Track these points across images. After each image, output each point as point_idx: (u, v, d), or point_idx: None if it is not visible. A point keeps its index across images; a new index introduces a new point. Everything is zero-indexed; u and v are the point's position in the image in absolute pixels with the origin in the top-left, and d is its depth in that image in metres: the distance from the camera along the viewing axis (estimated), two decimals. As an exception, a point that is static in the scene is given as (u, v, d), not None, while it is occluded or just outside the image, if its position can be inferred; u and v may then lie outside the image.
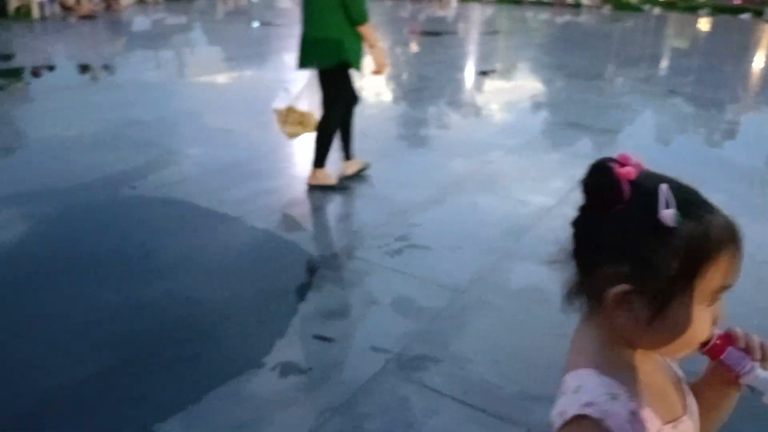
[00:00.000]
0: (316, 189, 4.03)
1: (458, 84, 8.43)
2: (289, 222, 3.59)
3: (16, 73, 7.56)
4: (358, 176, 4.33)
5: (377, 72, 3.94)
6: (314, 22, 3.73)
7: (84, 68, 7.95)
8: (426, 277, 3.10)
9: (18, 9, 11.61)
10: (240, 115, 5.80)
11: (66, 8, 12.68)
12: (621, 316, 0.72)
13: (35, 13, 11.58)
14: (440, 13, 18.72)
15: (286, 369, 2.37)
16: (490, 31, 12.38)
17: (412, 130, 5.79)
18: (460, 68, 9.63)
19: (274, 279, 3.00)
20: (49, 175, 4.17)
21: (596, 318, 0.76)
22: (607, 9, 20.21)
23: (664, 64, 11.00)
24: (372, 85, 7.77)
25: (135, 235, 3.40)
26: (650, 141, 6.03)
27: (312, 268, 3.09)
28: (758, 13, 19.66)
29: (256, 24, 13.27)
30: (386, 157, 4.97)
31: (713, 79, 9.22)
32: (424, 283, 3.05)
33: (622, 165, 0.73)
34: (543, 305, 2.88)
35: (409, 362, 2.46)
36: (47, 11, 11.92)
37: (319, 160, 3.95)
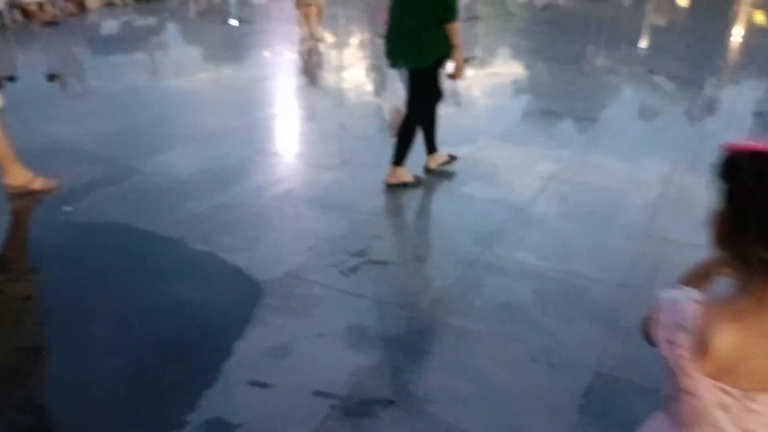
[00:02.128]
0: (396, 187, 3.93)
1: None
2: (239, 241, 3.26)
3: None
4: (439, 170, 4.24)
5: (455, 76, 3.81)
6: (405, 20, 3.63)
7: (48, 78, 7.56)
8: (382, 299, 2.78)
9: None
10: (212, 121, 5.45)
11: (27, 15, 12.23)
12: None
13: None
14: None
15: (214, 427, 2.05)
16: (469, 17, 12.02)
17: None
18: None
19: (205, 315, 2.66)
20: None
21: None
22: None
23: (644, 43, 10.68)
24: (351, 78, 7.44)
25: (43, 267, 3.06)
26: (633, 120, 5.75)
27: (254, 298, 2.76)
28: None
29: (234, 22, 12.86)
30: (365, 152, 4.65)
31: (692, 56, 8.92)
32: (379, 307, 2.73)
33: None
34: (517, 326, 2.58)
35: (357, 407, 2.14)
36: (7, 19, 11.48)
37: (400, 158, 3.91)
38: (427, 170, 4.25)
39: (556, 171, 4.27)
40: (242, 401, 2.17)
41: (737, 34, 11.68)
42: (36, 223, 3.63)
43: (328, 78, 7.74)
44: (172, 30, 12.73)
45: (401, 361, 2.38)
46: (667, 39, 11.12)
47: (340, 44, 10.19)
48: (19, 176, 3.78)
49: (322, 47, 9.46)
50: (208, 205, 3.70)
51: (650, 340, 0.95)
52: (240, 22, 12.75)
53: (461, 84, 6.65)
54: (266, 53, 9.23)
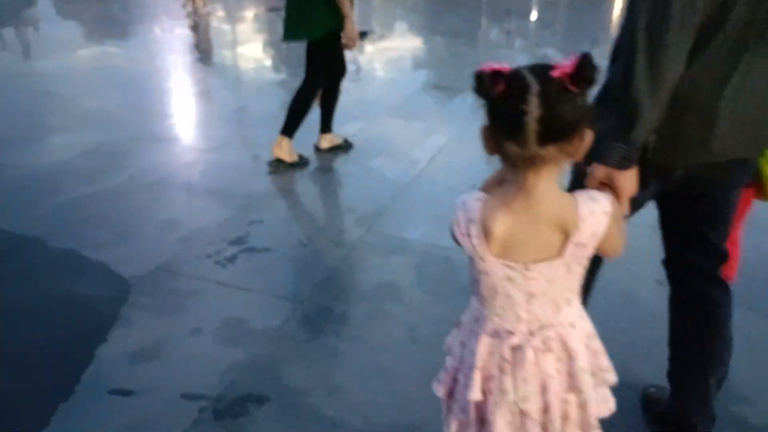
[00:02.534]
0: (279, 165, 3.86)
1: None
2: (106, 236, 3.01)
3: None
4: (331, 152, 4.16)
5: (348, 46, 3.73)
6: None
7: None
8: (262, 289, 2.66)
9: None
10: (89, 103, 5.03)
11: None
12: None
13: None
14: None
15: (66, 444, 1.87)
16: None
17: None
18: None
19: (64, 320, 2.43)
20: None
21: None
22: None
23: (533, 16, 10.95)
24: (250, 56, 7.11)
25: None
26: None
27: (120, 297, 2.55)
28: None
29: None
30: (253, 133, 4.44)
31: (576, 29, 9.24)
32: (258, 297, 2.61)
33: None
34: (399, 307, 2.53)
35: (229, 407, 2.03)
36: None
37: (289, 130, 3.82)
38: (317, 149, 4.14)
39: (444, 144, 4.26)
40: (101, 413, 1.99)
41: (617, 9, 12.21)
42: None
43: (221, 54, 7.38)
44: (44, 3, 11.73)
45: (279, 354, 2.28)
46: (553, 13, 11.44)
47: (232, 19, 9.76)
48: None
49: (214, 22, 9.02)
50: (74, 197, 3.41)
51: (457, 241, 1.13)
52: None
53: (360, 58, 6.54)
54: (153, 29, 8.69)
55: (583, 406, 1.15)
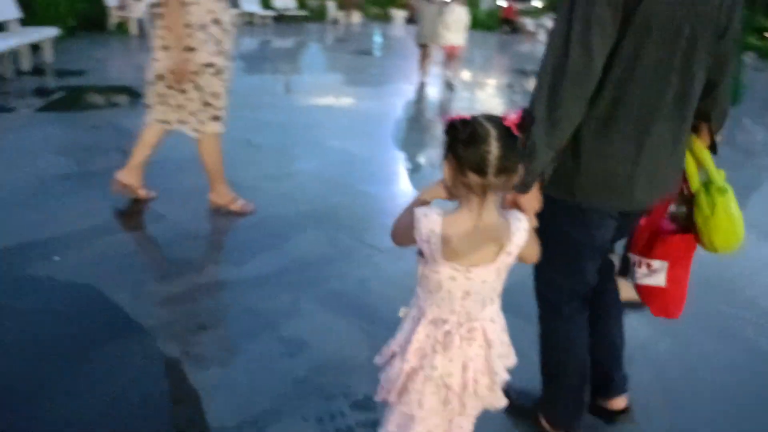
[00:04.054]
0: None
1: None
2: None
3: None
4: None
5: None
6: None
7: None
8: None
9: (119, 25, 11.40)
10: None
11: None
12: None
13: (133, 29, 11.29)
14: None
15: None
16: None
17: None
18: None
19: None
20: None
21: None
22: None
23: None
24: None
25: None
26: None
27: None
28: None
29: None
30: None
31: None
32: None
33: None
34: None
35: None
36: (146, 28, 11.65)
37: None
38: None
39: None
40: None
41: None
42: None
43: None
44: (307, 53, 12.58)
45: None
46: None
47: (474, 85, 9.51)
48: (224, 196, 3.50)
49: (455, 86, 8.81)
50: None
51: (399, 245, 1.41)
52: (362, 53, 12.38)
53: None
54: (394, 85, 8.71)
55: (490, 387, 1.40)
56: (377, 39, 15.77)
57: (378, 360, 1.49)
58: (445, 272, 1.31)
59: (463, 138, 1.21)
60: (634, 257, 1.85)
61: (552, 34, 1.47)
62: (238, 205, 3.48)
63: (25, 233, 2.96)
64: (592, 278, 1.78)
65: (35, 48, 7.48)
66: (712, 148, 1.73)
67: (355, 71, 10.01)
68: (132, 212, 3.37)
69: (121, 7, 11.33)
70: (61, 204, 3.35)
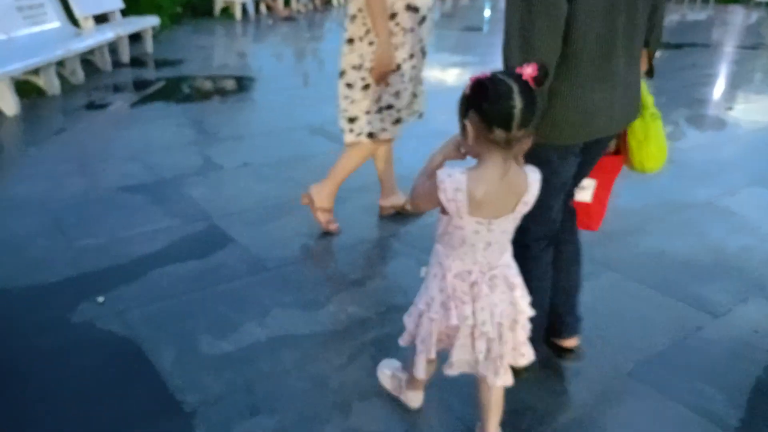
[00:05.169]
0: None
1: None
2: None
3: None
4: None
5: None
6: None
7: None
8: None
9: (224, 9, 11.34)
10: None
11: (270, 8, 12.24)
12: None
13: (237, 14, 11.17)
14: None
15: None
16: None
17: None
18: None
19: None
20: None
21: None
22: None
23: None
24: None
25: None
26: None
27: None
28: None
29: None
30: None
31: None
32: None
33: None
34: None
35: None
36: (249, 13, 11.50)
37: None
38: None
39: None
40: None
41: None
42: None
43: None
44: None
45: None
46: None
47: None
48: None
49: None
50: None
51: (422, 210, 1.58)
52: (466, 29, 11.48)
53: None
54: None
55: (513, 327, 1.49)
56: (487, 13, 14.74)
57: (406, 320, 1.60)
58: (469, 227, 1.39)
59: (492, 95, 1.28)
60: None
61: None
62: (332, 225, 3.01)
63: (80, 262, 2.61)
64: (557, 216, 1.84)
65: (137, 38, 7.39)
66: (650, 72, 1.82)
67: (462, 50, 9.23)
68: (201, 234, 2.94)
69: (226, -10, 11.25)
70: (125, 222, 3.00)
